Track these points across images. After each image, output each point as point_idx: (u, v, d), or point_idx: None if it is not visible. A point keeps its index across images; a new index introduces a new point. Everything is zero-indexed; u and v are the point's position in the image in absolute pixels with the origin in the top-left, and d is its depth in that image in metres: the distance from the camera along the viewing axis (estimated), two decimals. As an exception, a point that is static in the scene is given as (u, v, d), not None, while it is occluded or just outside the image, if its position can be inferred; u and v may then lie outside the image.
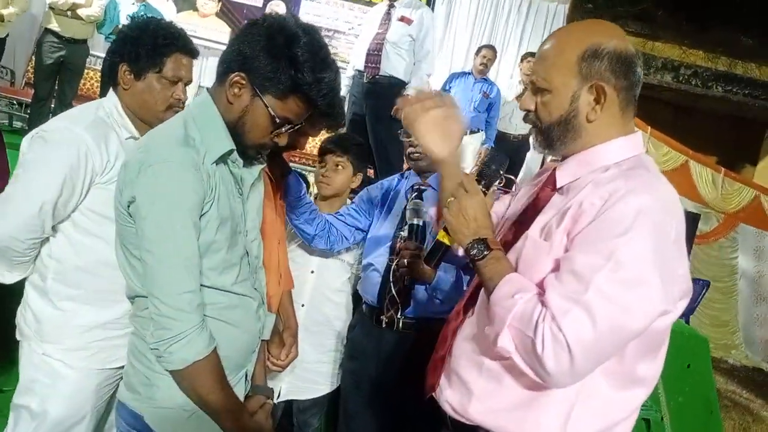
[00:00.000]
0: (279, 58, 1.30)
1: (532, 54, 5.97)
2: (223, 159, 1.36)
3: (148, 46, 1.70)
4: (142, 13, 5.51)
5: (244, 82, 1.33)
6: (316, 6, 7.13)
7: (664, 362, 2.90)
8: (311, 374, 2.34)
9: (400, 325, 2.14)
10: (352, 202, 2.38)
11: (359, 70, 4.43)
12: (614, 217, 1.14)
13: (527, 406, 1.27)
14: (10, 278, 1.74)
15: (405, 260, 2.00)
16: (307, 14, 6.80)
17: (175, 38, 1.75)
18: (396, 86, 4.29)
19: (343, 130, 4.42)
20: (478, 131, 5.45)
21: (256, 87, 1.33)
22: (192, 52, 1.80)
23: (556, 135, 1.30)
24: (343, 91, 4.60)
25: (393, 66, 4.35)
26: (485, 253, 1.28)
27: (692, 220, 7.51)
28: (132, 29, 1.77)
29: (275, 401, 2.28)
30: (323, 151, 2.38)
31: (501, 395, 1.29)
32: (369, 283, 2.24)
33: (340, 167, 2.35)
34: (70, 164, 1.58)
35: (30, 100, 5.47)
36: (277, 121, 1.36)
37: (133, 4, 5.64)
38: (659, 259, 1.13)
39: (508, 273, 1.25)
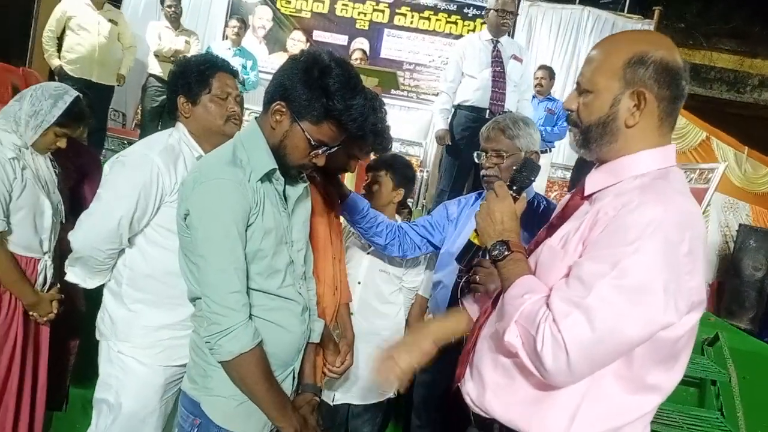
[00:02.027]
0: (314, 89, 1.47)
1: (544, 67, 6.06)
2: (267, 177, 1.53)
3: (195, 74, 1.95)
4: (237, 56, 5.95)
5: (284, 110, 1.51)
6: (398, 41, 7.39)
7: (750, 387, 2.82)
8: (363, 381, 2.46)
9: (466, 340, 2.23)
10: (430, 215, 2.51)
11: (476, 107, 4.53)
12: (624, 227, 1.17)
13: (536, 402, 1.31)
14: (91, 284, 2.00)
15: (477, 276, 2.10)
16: (389, 49, 7.08)
17: (214, 62, 2.01)
18: None
19: (453, 160, 4.58)
20: (548, 151, 5.51)
21: (294, 114, 1.50)
22: (232, 71, 2.04)
23: (594, 136, 1.33)
24: (442, 123, 4.69)
25: (510, 102, 4.54)
26: (505, 254, 1.35)
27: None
28: (178, 67, 2.03)
29: (333, 404, 2.45)
30: (368, 168, 2.57)
31: (513, 390, 1.34)
32: (439, 300, 2.34)
33: (378, 181, 2.52)
34: (144, 184, 1.83)
35: (137, 140, 6.02)
36: (313, 143, 1.52)
37: (229, 49, 6.05)
38: (665, 270, 1.15)
39: (524, 275, 1.31)
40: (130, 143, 6.18)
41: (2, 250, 2.18)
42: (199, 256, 1.47)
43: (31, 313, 2.30)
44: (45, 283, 2.33)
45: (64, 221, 2.41)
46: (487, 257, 1.45)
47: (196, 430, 1.56)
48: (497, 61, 4.54)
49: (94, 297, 2.17)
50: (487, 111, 4.50)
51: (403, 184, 2.55)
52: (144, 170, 1.85)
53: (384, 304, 2.51)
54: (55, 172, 2.39)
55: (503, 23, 4.56)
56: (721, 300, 7.21)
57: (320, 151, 1.56)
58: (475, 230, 1.49)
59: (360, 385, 2.47)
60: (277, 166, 1.55)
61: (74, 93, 2.28)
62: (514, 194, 1.47)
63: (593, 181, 1.36)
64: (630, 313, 1.15)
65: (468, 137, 4.52)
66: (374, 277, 2.50)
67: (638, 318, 1.16)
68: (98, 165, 3.05)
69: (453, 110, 4.66)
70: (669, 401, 2.88)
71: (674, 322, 1.20)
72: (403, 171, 2.56)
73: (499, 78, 4.50)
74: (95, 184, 2.70)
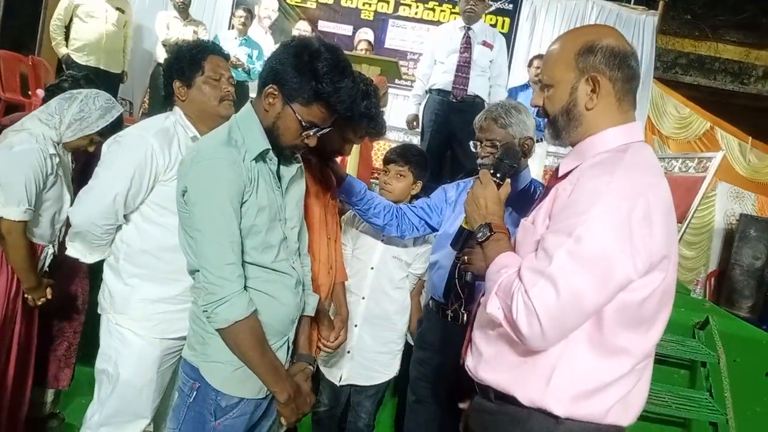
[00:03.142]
0: (303, 72, 1.55)
1: (539, 56, 6.05)
2: (261, 157, 1.61)
3: (188, 58, 2.04)
4: (244, 46, 6.03)
5: (276, 93, 1.59)
6: (402, 31, 7.43)
7: (739, 369, 2.90)
8: (370, 362, 2.57)
9: (464, 318, 2.30)
10: (428, 197, 2.56)
11: (442, 90, 4.71)
12: (576, 198, 1.28)
13: (518, 367, 1.41)
14: (90, 258, 2.11)
15: (466, 258, 2.18)
16: (393, 39, 7.13)
17: (205, 46, 2.10)
18: (480, 105, 4.58)
19: (425, 144, 4.73)
20: (543, 140, 5.56)
21: (285, 97, 1.58)
22: (223, 53, 2.12)
23: (561, 124, 1.45)
24: (413, 108, 4.96)
25: (477, 86, 4.69)
26: (488, 234, 1.46)
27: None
28: (171, 54, 2.13)
29: (339, 385, 2.55)
30: (386, 161, 2.62)
31: (500, 359, 1.45)
32: (436, 280, 2.41)
33: (401, 176, 2.58)
34: (138, 163, 1.92)
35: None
36: (304, 125, 1.60)
37: (235, 38, 6.12)
38: (616, 235, 1.24)
39: (504, 251, 1.42)
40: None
41: (24, 240, 2.28)
42: (197, 230, 1.55)
43: (27, 295, 2.39)
44: (43, 268, 2.45)
45: None
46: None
47: (195, 393, 1.64)
48: (466, 47, 4.68)
49: (98, 277, 2.27)
50: (451, 95, 4.66)
51: (420, 177, 2.63)
52: (139, 150, 1.94)
53: (395, 289, 2.61)
54: (71, 166, 2.50)
55: (468, 9, 4.69)
56: (721, 289, 7.27)
57: (311, 132, 1.63)
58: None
59: (368, 367, 2.58)
60: (270, 147, 1.62)
61: (120, 109, 2.40)
62: (498, 181, 1.57)
63: (565, 162, 1.46)
64: (587, 276, 1.24)
65: (435, 120, 4.71)
66: (387, 264, 2.58)
67: (595, 280, 1.25)
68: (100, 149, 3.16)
69: (426, 95, 4.85)
70: (659, 381, 3.00)
71: (632, 280, 1.28)
72: (421, 163, 2.62)
73: (464, 63, 4.65)
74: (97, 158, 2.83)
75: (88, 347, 2.84)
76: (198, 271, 1.61)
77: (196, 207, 1.54)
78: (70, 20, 5.56)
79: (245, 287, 1.58)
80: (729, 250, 7.36)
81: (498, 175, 1.59)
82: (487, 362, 1.49)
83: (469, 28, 4.73)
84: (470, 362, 1.57)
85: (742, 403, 3.05)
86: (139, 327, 2.02)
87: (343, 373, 2.57)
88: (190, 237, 1.61)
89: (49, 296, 2.43)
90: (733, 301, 6.86)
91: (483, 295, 1.57)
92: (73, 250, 2.11)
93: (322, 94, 1.56)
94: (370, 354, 2.57)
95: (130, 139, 2.00)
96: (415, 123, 4.95)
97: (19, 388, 2.50)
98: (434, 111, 4.75)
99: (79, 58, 5.49)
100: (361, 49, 5.96)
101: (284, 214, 1.72)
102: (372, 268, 2.58)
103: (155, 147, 1.95)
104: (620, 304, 1.32)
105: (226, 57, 2.15)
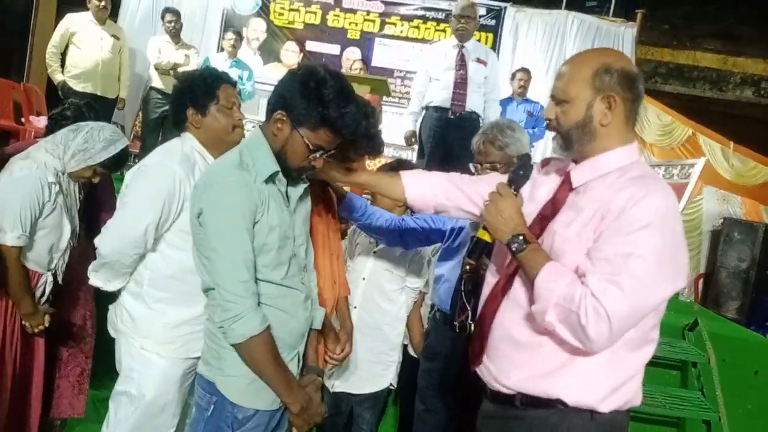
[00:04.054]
0: (310, 99, 1.64)
1: (522, 70, 6.33)
2: (271, 179, 1.70)
3: (202, 87, 2.10)
4: (234, 68, 6.13)
5: (284, 118, 1.68)
6: (389, 50, 7.57)
7: (729, 368, 3.01)
8: (362, 372, 2.63)
9: (471, 329, 2.32)
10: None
11: (440, 107, 4.82)
12: (636, 215, 1.42)
13: (557, 371, 1.52)
14: (111, 286, 2.14)
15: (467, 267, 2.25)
16: (380, 58, 7.26)
17: (219, 75, 2.16)
18: (476, 120, 4.76)
19: (424, 159, 4.83)
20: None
21: (293, 122, 1.67)
22: (233, 82, 2.19)
23: (575, 138, 1.57)
24: (410, 125, 5.06)
25: (473, 102, 4.81)
26: (524, 246, 1.53)
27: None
28: (184, 81, 2.18)
29: (332, 392, 2.62)
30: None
31: (535, 364, 1.55)
32: (442, 293, 2.48)
33: None
34: (167, 192, 1.98)
35: (137, 151, 6.19)
36: (311, 148, 1.69)
37: (226, 60, 6.24)
38: (671, 248, 1.42)
39: (547, 261, 1.51)
40: (129, 155, 6.38)
41: (18, 265, 2.31)
42: (212, 249, 1.64)
43: (24, 322, 2.41)
44: (43, 295, 2.47)
45: (76, 245, 2.54)
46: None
47: (212, 407, 1.72)
48: (461, 64, 4.81)
49: (104, 301, 2.32)
50: (449, 111, 4.77)
51: None
52: (167, 179, 2.00)
53: (386, 300, 2.67)
54: (78, 198, 2.54)
55: (459, 28, 4.83)
56: (708, 291, 7.38)
57: (318, 155, 1.72)
58: (483, 227, 1.66)
59: (359, 375, 2.63)
60: (279, 169, 1.72)
61: (125, 142, 2.44)
62: (514, 192, 1.65)
63: (578, 175, 1.59)
64: (652, 285, 1.41)
65: (433, 136, 4.82)
66: (378, 275, 2.65)
67: (658, 288, 1.43)
68: (107, 175, 3.22)
69: (422, 113, 4.96)
70: (652, 383, 3.10)
71: (682, 288, 1.47)
72: None
73: (461, 80, 4.78)
74: (104, 190, 2.89)
75: (93, 371, 2.90)
76: (212, 289, 1.69)
77: (211, 228, 1.63)
78: (66, 47, 5.65)
79: (258, 303, 1.66)
80: (715, 253, 7.48)
81: (513, 186, 1.66)
82: (518, 368, 1.58)
83: (462, 46, 4.86)
84: (491, 370, 1.65)
85: (733, 401, 3.14)
86: (164, 349, 2.07)
87: (337, 381, 2.64)
88: (204, 257, 1.69)
89: (47, 324, 2.44)
90: (720, 303, 6.97)
91: (501, 297, 1.65)
92: (96, 279, 2.14)
93: (328, 120, 1.65)
94: (362, 363, 2.63)
95: (156, 169, 2.05)
96: (413, 139, 5.05)
97: (18, 416, 2.50)
98: (432, 127, 4.84)
99: (76, 85, 5.58)
100: (355, 69, 6.09)
101: (293, 232, 1.80)
102: (364, 279, 2.66)
103: (182, 175, 2.00)
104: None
105: (235, 84, 2.23)
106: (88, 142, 2.35)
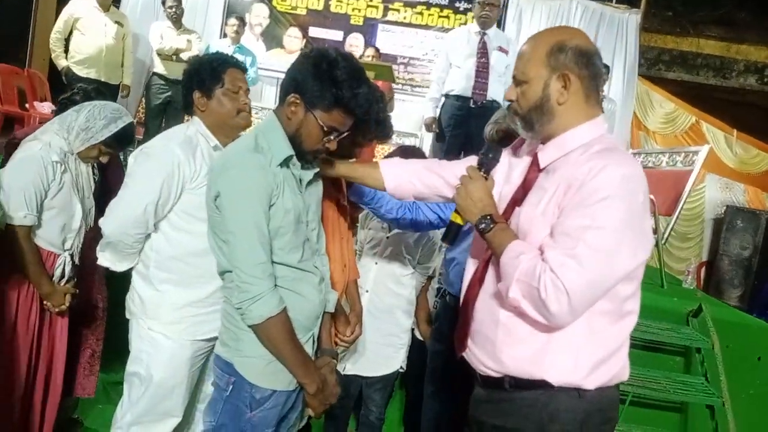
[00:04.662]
0: (323, 80, 1.66)
1: None
2: (285, 162, 1.72)
3: (208, 70, 2.12)
4: (237, 54, 6.12)
5: (298, 101, 1.70)
6: (392, 36, 7.54)
7: (732, 354, 3.03)
8: (372, 355, 2.67)
9: None
10: None
11: (461, 95, 4.79)
12: (595, 187, 1.41)
13: (539, 352, 1.52)
14: (120, 267, 2.17)
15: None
16: (383, 44, 7.21)
17: (225, 59, 2.19)
18: (497, 110, 4.66)
19: (444, 146, 4.82)
20: None
21: (307, 104, 1.69)
22: (241, 67, 2.21)
23: (535, 118, 1.57)
24: (431, 111, 5.01)
25: (494, 91, 4.76)
26: (491, 226, 1.55)
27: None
28: (192, 65, 2.20)
29: (343, 373, 2.65)
30: (388, 158, 2.74)
31: (516, 345, 1.55)
32: (452, 276, 2.49)
33: None
34: (167, 173, 2.00)
35: (141, 137, 6.21)
36: (326, 129, 1.71)
37: (229, 46, 6.22)
38: (631, 218, 1.41)
39: (512, 239, 1.52)
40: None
41: (29, 243, 2.34)
42: (230, 232, 1.66)
43: (45, 302, 2.44)
44: (63, 276, 2.48)
45: (92, 225, 2.55)
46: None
47: (231, 386, 1.75)
48: (482, 52, 4.78)
49: (116, 284, 2.34)
50: (471, 100, 4.74)
51: None
52: (166, 160, 2.02)
53: (397, 285, 2.71)
54: (94, 179, 2.56)
55: (483, 15, 4.79)
56: (711, 278, 7.44)
57: (332, 137, 1.74)
58: (456, 210, 1.67)
59: (370, 358, 2.67)
60: (294, 153, 1.73)
61: (128, 119, 2.44)
62: (483, 175, 1.66)
63: (545, 155, 1.59)
64: (611, 256, 1.40)
65: (453, 125, 4.79)
66: (391, 260, 2.68)
67: (618, 259, 1.41)
68: (116, 157, 3.24)
69: (442, 99, 4.90)
70: (656, 368, 3.12)
71: (646, 259, 1.46)
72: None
73: (482, 68, 4.75)
74: (115, 174, 2.91)
75: (104, 354, 2.94)
76: (229, 271, 1.71)
77: (228, 211, 1.65)
78: (70, 33, 5.65)
79: (275, 285, 1.68)
80: (718, 241, 7.52)
81: (482, 170, 1.68)
82: (503, 351, 1.57)
83: (484, 33, 4.84)
84: (477, 354, 1.66)
85: (737, 386, 3.14)
86: (171, 330, 2.09)
87: (347, 364, 2.68)
88: (221, 240, 1.71)
89: (67, 303, 2.48)
90: (722, 290, 7.04)
91: (479, 285, 1.66)
92: (104, 259, 2.18)
93: (342, 100, 1.66)
94: (373, 346, 2.67)
95: (156, 150, 2.08)
96: (434, 126, 5.00)
97: (48, 396, 2.56)
98: (453, 115, 4.82)
99: (80, 71, 5.57)
100: (368, 56, 6.11)
101: (306, 216, 1.82)
102: (376, 264, 2.69)
103: (181, 157, 2.02)
104: (629, 277, 1.49)
105: (244, 69, 2.24)
106: (90, 121, 2.36)
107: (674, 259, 7.14)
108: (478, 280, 1.68)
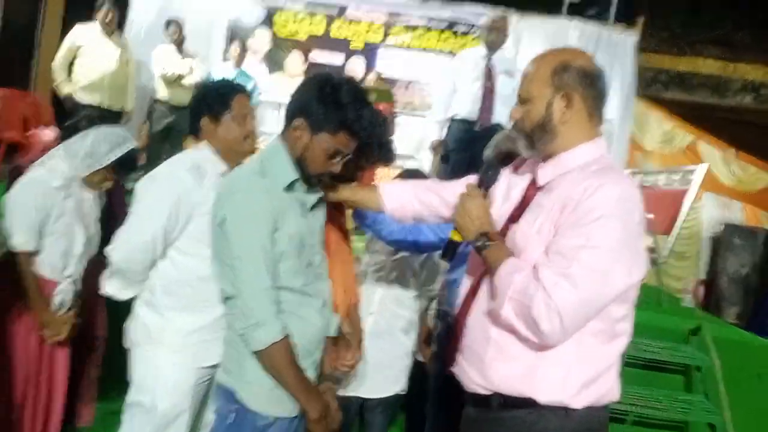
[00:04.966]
0: (328, 103, 1.70)
1: None
2: (290, 186, 1.75)
3: (216, 96, 2.14)
4: (238, 78, 6.17)
5: (303, 125, 1.73)
6: (392, 59, 7.59)
7: (732, 372, 3.04)
8: (375, 376, 2.67)
9: None
10: None
11: (466, 119, 4.83)
12: (590, 207, 1.43)
13: (533, 368, 1.53)
14: (125, 295, 2.16)
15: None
16: (384, 67, 7.27)
17: (233, 86, 2.21)
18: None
19: (449, 168, 4.84)
20: None
21: (312, 128, 1.72)
22: (247, 92, 2.24)
23: (537, 137, 1.59)
24: (437, 133, 5.05)
25: (500, 115, 4.78)
26: (488, 243, 1.58)
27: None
28: (200, 91, 2.23)
29: (345, 394, 2.64)
30: None
31: (507, 362, 1.56)
32: (453, 296, 2.53)
33: None
34: (175, 199, 2.02)
35: (143, 163, 6.23)
36: (331, 152, 1.74)
37: (231, 71, 6.26)
38: (626, 238, 1.43)
39: (508, 257, 1.54)
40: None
41: (29, 269, 2.35)
42: (235, 257, 1.68)
43: (41, 330, 2.43)
44: (62, 305, 2.48)
45: (96, 252, 2.56)
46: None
47: (233, 415, 1.76)
48: (489, 76, 4.81)
49: (114, 313, 2.34)
50: (477, 123, 4.77)
51: None
52: (174, 186, 2.03)
53: (401, 307, 2.72)
54: (99, 205, 2.57)
55: (491, 40, 4.82)
56: (710, 297, 7.43)
57: (336, 160, 1.77)
58: (455, 228, 1.70)
59: (374, 380, 2.67)
60: (299, 177, 1.77)
61: (132, 144, 2.46)
62: (483, 192, 1.69)
63: (544, 173, 1.61)
64: (605, 276, 1.41)
65: (459, 148, 4.80)
66: (395, 283, 2.70)
67: (612, 279, 1.42)
68: (118, 183, 3.27)
69: (448, 122, 4.93)
70: (657, 387, 3.14)
71: (640, 279, 1.47)
72: None
73: (488, 92, 4.78)
74: (117, 200, 2.93)
75: (101, 382, 2.94)
76: (232, 297, 1.74)
77: (234, 235, 1.68)
78: (73, 59, 5.68)
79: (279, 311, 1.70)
80: (716, 259, 7.53)
81: (482, 187, 1.70)
82: (492, 367, 1.59)
83: (490, 58, 4.88)
84: (466, 370, 1.67)
85: (737, 404, 3.16)
86: (177, 357, 2.08)
87: (350, 385, 2.67)
88: (226, 265, 1.74)
89: (65, 334, 2.45)
90: (721, 308, 7.04)
91: (470, 303, 1.69)
92: (110, 287, 2.17)
93: (346, 122, 1.70)
94: (376, 367, 2.66)
95: (164, 176, 2.10)
96: (440, 149, 5.02)
97: (50, 426, 2.55)
98: (458, 138, 4.85)
99: (83, 97, 5.60)
100: (370, 80, 6.24)
101: (311, 240, 1.85)
102: (381, 287, 2.70)
103: (190, 182, 2.04)
104: (622, 299, 1.50)
105: (249, 95, 2.28)
106: (94, 146, 2.39)
107: (671, 278, 7.14)
108: (472, 296, 1.70)
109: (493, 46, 4.88)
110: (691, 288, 4.60)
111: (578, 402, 1.52)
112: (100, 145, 2.39)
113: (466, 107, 4.82)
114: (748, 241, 7.09)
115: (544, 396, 1.52)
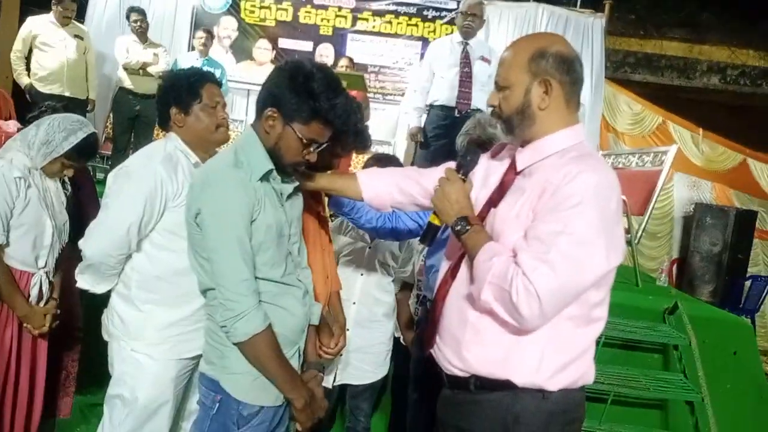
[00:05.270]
0: (300, 93, 1.65)
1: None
2: (266, 177, 1.71)
3: (185, 86, 2.08)
4: (206, 66, 6.06)
5: (276, 115, 1.69)
6: (362, 45, 7.54)
7: (709, 349, 3.07)
8: (362, 363, 2.68)
9: None
10: None
11: (445, 105, 4.81)
12: (568, 193, 1.43)
13: (509, 351, 1.54)
14: (99, 289, 2.11)
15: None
16: (354, 53, 7.21)
17: (202, 74, 2.15)
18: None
19: (429, 155, 4.83)
20: None
21: (285, 117, 1.68)
22: (218, 81, 2.18)
23: (516, 122, 1.59)
24: (416, 121, 5.03)
25: (478, 101, 4.78)
26: (467, 228, 1.57)
27: (749, 218, 7.48)
28: (167, 81, 2.17)
29: (332, 385, 2.64)
30: (364, 167, 2.75)
31: (483, 345, 1.57)
32: (431, 283, 2.48)
33: None
34: (149, 192, 1.96)
35: (110, 153, 6.10)
36: (305, 142, 1.70)
37: (198, 59, 6.17)
38: (603, 224, 1.43)
39: (486, 242, 1.53)
40: (102, 157, 6.29)
41: (1, 263, 2.28)
42: (212, 249, 1.64)
43: (24, 325, 2.38)
44: (40, 297, 2.42)
45: (67, 240, 2.50)
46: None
47: (217, 405, 1.73)
48: (465, 62, 4.80)
49: (91, 305, 2.28)
50: (455, 110, 4.76)
51: None
52: (148, 179, 1.97)
53: (382, 293, 2.73)
54: (65, 193, 2.50)
55: (466, 25, 4.81)
56: (683, 276, 7.57)
57: (311, 149, 1.73)
58: (434, 212, 1.70)
59: (358, 367, 2.68)
60: (273, 167, 1.72)
61: (88, 130, 2.38)
62: (462, 177, 1.68)
63: (522, 158, 1.61)
64: (583, 262, 1.41)
65: (439, 134, 4.79)
66: (375, 270, 2.70)
67: (590, 265, 1.43)
68: (88, 175, 3.18)
69: (426, 109, 4.92)
70: (635, 366, 3.16)
71: (617, 265, 1.48)
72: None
73: (466, 78, 4.77)
74: (87, 192, 2.85)
75: (79, 375, 2.88)
76: (211, 289, 1.69)
77: (210, 228, 1.63)
78: (30, 50, 5.58)
79: (259, 301, 1.67)
80: (688, 238, 7.67)
81: (461, 171, 1.69)
82: (469, 350, 1.59)
83: (467, 44, 4.87)
84: (444, 353, 1.67)
85: (715, 381, 3.20)
86: (155, 351, 2.05)
87: (336, 375, 2.67)
88: (202, 258, 1.69)
89: (48, 324, 2.42)
90: (695, 287, 7.17)
91: (448, 286, 1.69)
92: (83, 281, 2.12)
93: (320, 112, 1.66)
94: (362, 355, 2.68)
95: (137, 169, 2.03)
96: (419, 135, 5.00)
97: (32, 419, 2.51)
98: (438, 125, 4.84)
99: (42, 87, 5.48)
100: (341, 66, 6.12)
101: (288, 230, 1.81)
102: (362, 275, 2.69)
103: (163, 174, 1.98)
104: (599, 284, 1.51)
105: (220, 84, 2.21)
106: (50, 134, 2.31)
107: (645, 258, 7.27)
108: (450, 280, 1.70)
109: (469, 32, 4.85)
110: (665, 268, 4.65)
111: (553, 384, 1.53)
112: (55, 134, 2.31)
113: (445, 94, 4.81)
114: (720, 219, 7.21)
115: (520, 378, 1.53)
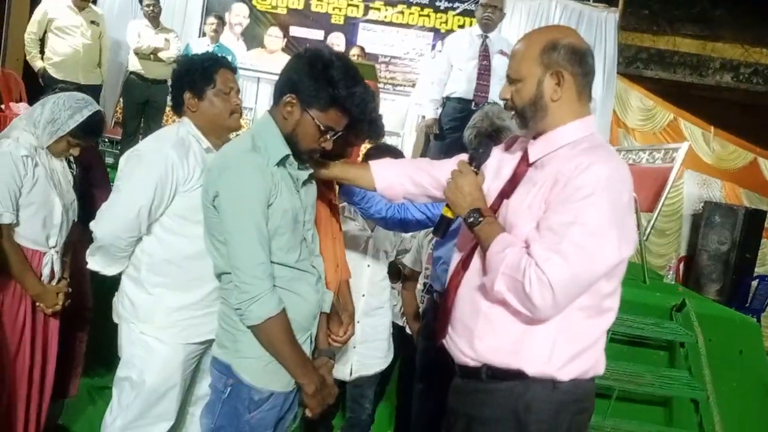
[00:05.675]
0: (319, 80, 1.66)
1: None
2: (282, 162, 1.72)
3: (200, 71, 2.08)
4: (217, 52, 6.03)
5: (294, 101, 1.70)
6: (373, 35, 7.53)
7: (715, 348, 3.07)
8: (373, 351, 2.69)
9: None
10: None
11: (462, 98, 4.78)
12: (580, 184, 1.44)
13: (521, 341, 1.55)
14: (110, 271, 2.13)
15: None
16: (365, 43, 7.19)
17: (217, 59, 2.15)
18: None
19: (444, 147, 4.81)
20: None
21: (303, 104, 1.69)
22: (232, 67, 2.18)
23: (529, 114, 1.60)
24: (432, 113, 4.99)
25: (496, 94, 4.64)
26: (480, 219, 1.58)
27: (758, 217, 7.45)
28: (182, 65, 2.16)
29: (349, 379, 2.65)
30: (364, 157, 2.74)
31: (496, 334, 1.58)
32: (440, 274, 2.51)
33: None
34: (160, 176, 1.97)
35: (119, 137, 6.09)
36: (322, 129, 1.71)
37: (208, 45, 6.16)
38: (615, 216, 1.44)
39: (499, 233, 1.54)
40: (111, 141, 6.31)
41: (10, 242, 2.29)
42: (229, 233, 1.65)
43: (37, 304, 2.40)
44: (52, 276, 2.44)
45: (76, 219, 2.52)
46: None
47: (229, 389, 1.74)
48: (484, 55, 4.76)
49: (101, 287, 2.29)
50: (473, 102, 4.72)
51: None
52: (159, 162, 1.98)
53: (385, 280, 2.73)
54: (72, 173, 2.51)
55: (485, 17, 4.76)
56: (690, 273, 7.55)
57: (328, 136, 1.74)
58: (447, 204, 1.70)
59: (370, 355, 2.68)
60: (290, 152, 1.73)
61: (94, 108, 2.38)
62: (474, 169, 1.68)
63: (534, 150, 1.62)
64: (595, 252, 1.43)
65: (455, 127, 4.74)
66: (379, 259, 2.70)
67: (602, 255, 1.44)
68: (99, 157, 3.19)
69: (443, 101, 4.88)
70: (641, 363, 3.16)
71: (628, 256, 1.50)
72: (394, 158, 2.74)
73: (484, 71, 4.73)
74: (98, 175, 2.86)
75: (87, 357, 2.91)
76: (226, 273, 1.71)
77: (227, 211, 1.65)
78: (44, 33, 5.54)
79: (274, 285, 1.68)
80: (696, 236, 7.65)
81: (473, 164, 1.70)
82: (482, 339, 1.61)
83: (486, 37, 4.82)
84: (456, 342, 1.68)
85: (720, 379, 3.21)
86: (165, 334, 2.06)
87: (353, 367, 2.67)
88: (219, 241, 1.70)
89: (61, 302, 2.43)
90: (702, 285, 7.16)
91: (463, 272, 1.69)
92: (94, 263, 2.13)
93: (338, 99, 1.67)
94: (373, 343, 2.69)
95: (148, 152, 2.04)
96: (435, 127, 4.96)
97: (43, 398, 2.53)
98: (454, 117, 4.80)
99: (56, 73, 5.46)
100: (353, 55, 6.10)
101: (303, 216, 1.82)
102: (368, 266, 2.69)
103: (175, 159, 1.99)
104: (610, 275, 1.52)
105: (235, 70, 2.21)
106: (54, 112, 2.31)
107: (653, 255, 7.25)
108: (462, 270, 1.71)
109: (489, 24, 4.81)
110: (673, 265, 4.64)
111: (564, 374, 1.54)
112: (60, 112, 2.31)
113: (462, 86, 4.77)
114: (728, 218, 7.19)
115: (532, 368, 1.55)
